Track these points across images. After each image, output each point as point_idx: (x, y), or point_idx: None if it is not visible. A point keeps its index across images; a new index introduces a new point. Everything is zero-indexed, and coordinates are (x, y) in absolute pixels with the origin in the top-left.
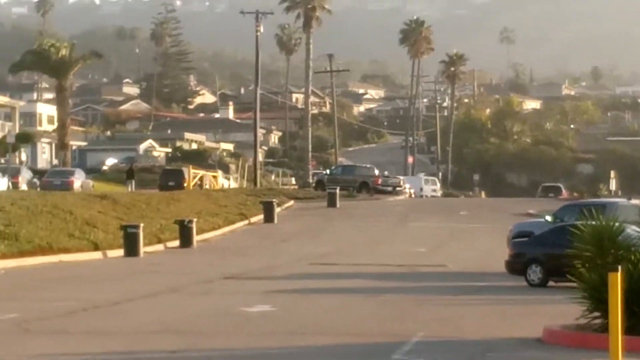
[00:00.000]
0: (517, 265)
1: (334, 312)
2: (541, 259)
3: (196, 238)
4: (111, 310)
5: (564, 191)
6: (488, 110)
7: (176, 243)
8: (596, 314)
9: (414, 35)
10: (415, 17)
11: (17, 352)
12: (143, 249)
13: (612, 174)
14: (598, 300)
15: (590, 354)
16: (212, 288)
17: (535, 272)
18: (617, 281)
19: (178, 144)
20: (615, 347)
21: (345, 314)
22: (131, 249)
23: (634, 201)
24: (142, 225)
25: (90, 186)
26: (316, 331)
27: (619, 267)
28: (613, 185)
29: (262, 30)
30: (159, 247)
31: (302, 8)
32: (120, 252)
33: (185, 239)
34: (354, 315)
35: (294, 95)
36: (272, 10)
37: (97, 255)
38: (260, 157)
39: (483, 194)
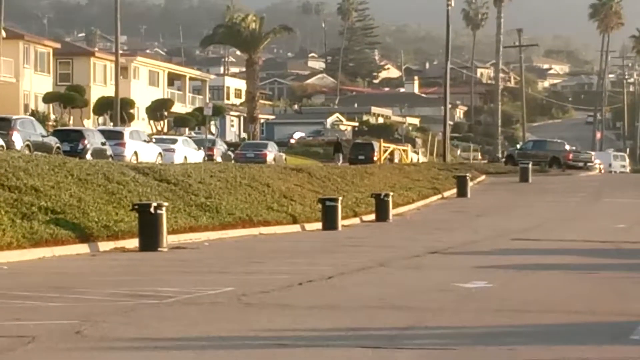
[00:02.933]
0: None
1: (553, 289)
2: None
3: (392, 212)
4: (327, 284)
5: None
6: None
7: (372, 217)
8: None
9: (604, 10)
10: None
11: (245, 328)
12: (340, 222)
13: None
14: None
15: None
16: (421, 263)
17: None
18: None
19: (364, 118)
20: None
21: (565, 291)
22: (330, 222)
23: None
24: (340, 198)
25: (283, 159)
26: (541, 309)
27: None
28: None
29: (452, 4)
30: (355, 220)
31: None
32: (317, 225)
33: (382, 212)
34: (574, 292)
35: (479, 70)
36: None
37: (295, 228)
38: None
39: None
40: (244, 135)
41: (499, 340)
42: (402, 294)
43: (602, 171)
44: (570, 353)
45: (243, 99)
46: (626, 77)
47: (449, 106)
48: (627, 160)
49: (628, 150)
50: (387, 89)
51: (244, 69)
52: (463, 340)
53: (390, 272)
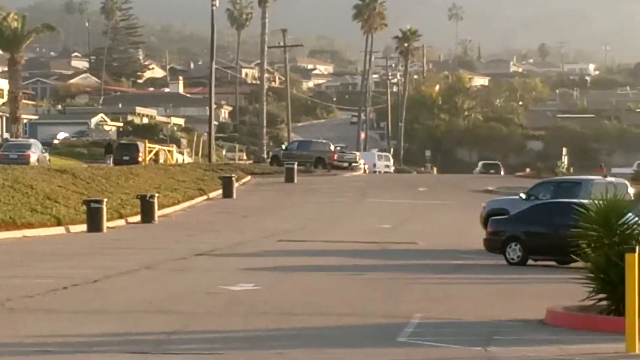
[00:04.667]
0: (495, 243)
1: (321, 291)
2: (521, 237)
3: (157, 213)
4: (92, 288)
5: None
6: (437, 87)
7: (137, 218)
8: (602, 295)
9: (367, 11)
10: None
11: (10, 334)
12: (106, 224)
13: (564, 151)
14: (604, 281)
15: (599, 337)
16: (187, 265)
17: (514, 251)
18: (634, 262)
19: (129, 118)
20: (631, 329)
21: (333, 293)
22: (94, 224)
23: (610, 179)
24: (105, 200)
25: (47, 160)
26: (309, 311)
27: (637, 248)
28: (565, 162)
29: (217, 4)
30: (121, 222)
31: None
32: (82, 227)
33: (147, 214)
34: (342, 294)
35: (244, 70)
36: None
37: (60, 230)
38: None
39: (435, 170)
40: (6, 135)
41: (268, 344)
42: (168, 298)
43: (367, 171)
44: (338, 356)
45: (5, 98)
46: (390, 77)
47: (214, 106)
48: (391, 160)
49: (392, 150)
50: (151, 88)
51: (6, 69)
52: (231, 344)
53: (157, 275)
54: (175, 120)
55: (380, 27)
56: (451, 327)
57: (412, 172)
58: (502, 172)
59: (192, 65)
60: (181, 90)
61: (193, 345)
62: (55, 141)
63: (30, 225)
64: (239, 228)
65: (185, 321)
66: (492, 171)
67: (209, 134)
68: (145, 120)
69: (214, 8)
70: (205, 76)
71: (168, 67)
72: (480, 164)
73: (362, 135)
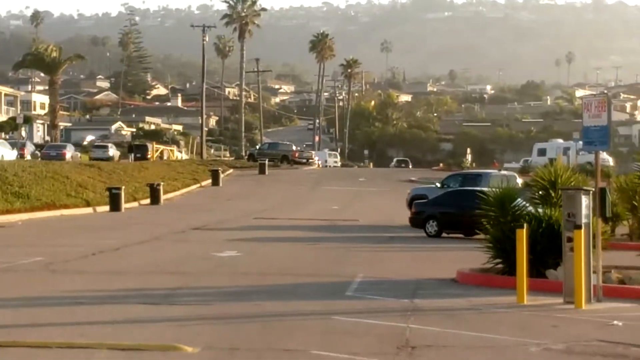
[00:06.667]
0: (418, 221)
1: (287, 257)
2: (437, 216)
3: (162, 197)
4: (114, 254)
5: (410, 164)
6: (373, 102)
7: (147, 201)
8: (498, 260)
9: (320, 45)
10: (321, 31)
11: (52, 289)
12: (124, 206)
13: (468, 150)
14: (500, 249)
15: (497, 292)
16: (186, 237)
17: (432, 226)
18: (522, 235)
19: (140, 125)
20: (521, 286)
21: (296, 258)
22: (115, 205)
23: (503, 172)
24: (123, 187)
25: (79, 157)
26: (279, 272)
27: (525, 225)
28: (469, 159)
29: (207, 39)
30: (135, 204)
31: (238, 23)
32: (106, 208)
33: (155, 198)
34: (303, 259)
35: (227, 89)
36: (215, 24)
37: (89, 210)
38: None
39: (371, 165)
40: (47, 138)
41: (248, 297)
42: (173, 262)
43: (320, 166)
44: (302, 307)
45: (47, 110)
46: (337, 95)
47: (205, 116)
48: (339, 157)
49: (339, 149)
50: (157, 103)
51: (47, 87)
52: (220, 297)
53: (163, 245)
54: (175, 127)
55: (330, 57)
56: (386, 284)
57: (354, 167)
58: (410, 166)
59: (187, 85)
60: (180, 104)
61: (192, 298)
62: (85, 142)
63: (66, 206)
64: (223, 208)
65: (186, 280)
66: (402, 165)
67: (201, 137)
68: (153, 127)
69: (204, 42)
70: (198, 93)
71: (170, 86)
72: (394, 160)
73: (317, 138)
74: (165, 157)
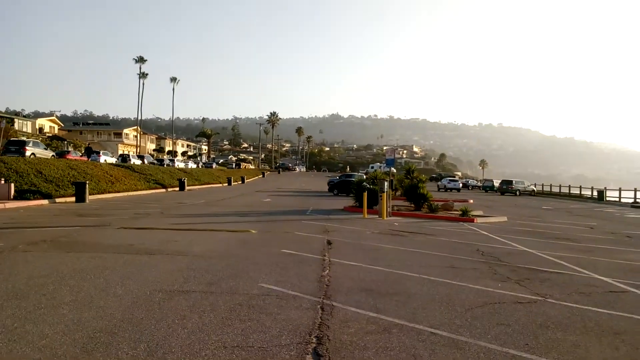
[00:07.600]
0: (331, 189)
1: (291, 202)
2: (337, 187)
3: (247, 180)
4: (230, 200)
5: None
6: (316, 150)
7: (240, 182)
8: (357, 203)
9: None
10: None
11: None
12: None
13: (348, 167)
14: (358, 199)
15: (356, 214)
16: (260, 193)
17: (334, 191)
18: (364, 195)
19: (247, 158)
20: (364, 211)
21: (294, 202)
22: (229, 183)
23: (361, 173)
24: (232, 177)
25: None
26: (288, 206)
27: (366, 191)
28: (348, 169)
29: (261, 127)
30: (236, 184)
31: (272, 123)
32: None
33: (243, 181)
34: (296, 202)
35: (267, 145)
36: (262, 123)
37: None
38: None
39: (315, 171)
40: (205, 160)
41: (273, 214)
42: (247, 204)
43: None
44: (291, 216)
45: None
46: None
47: (260, 155)
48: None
49: (305, 166)
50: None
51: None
52: (263, 214)
53: (245, 197)
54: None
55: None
56: (321, 210)
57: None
58: (328, 171)
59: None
60: (252, 149)
61: (254, 215)
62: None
63: (213, 183)
64: (266, 185)
65: (251, 208)
66: (324, 170)
67: (259, 160)
68: (242, 156)
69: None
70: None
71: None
72: (322, 169)
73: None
74: (244, 167)
